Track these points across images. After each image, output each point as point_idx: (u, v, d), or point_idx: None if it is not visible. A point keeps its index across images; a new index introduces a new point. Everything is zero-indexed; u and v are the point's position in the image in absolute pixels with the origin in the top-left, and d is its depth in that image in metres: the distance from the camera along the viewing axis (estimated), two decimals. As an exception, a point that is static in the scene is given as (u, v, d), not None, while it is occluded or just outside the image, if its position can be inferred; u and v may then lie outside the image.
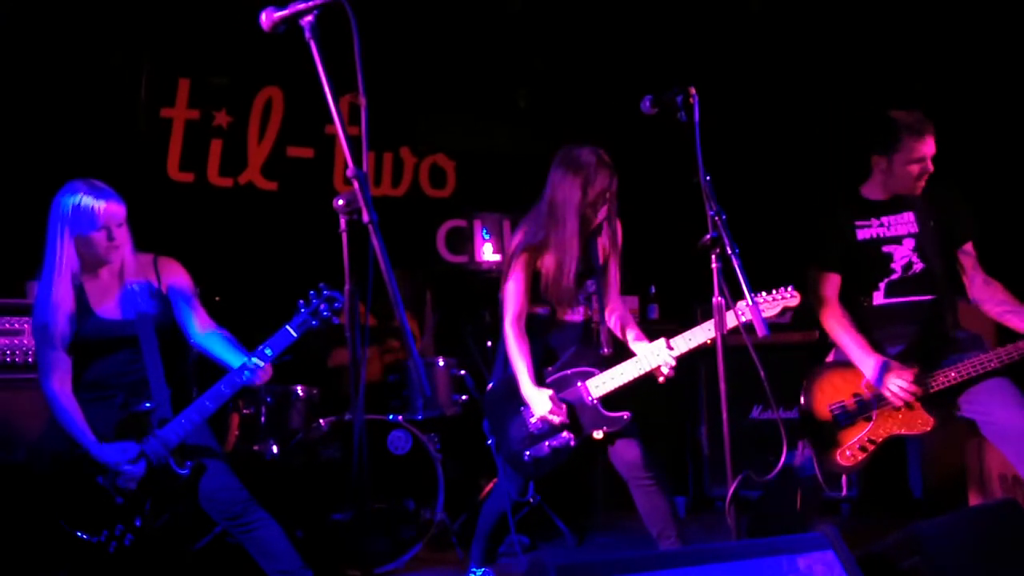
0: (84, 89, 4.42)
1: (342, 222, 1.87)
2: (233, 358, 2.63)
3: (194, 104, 4.77)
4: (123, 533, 2.57)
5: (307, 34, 1.83)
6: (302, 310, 2.60)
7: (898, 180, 2.90)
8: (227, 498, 2.63)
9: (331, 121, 4.88)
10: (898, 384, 2.75)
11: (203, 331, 2.73)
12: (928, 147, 2.84)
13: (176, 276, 2.78)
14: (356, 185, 1.82)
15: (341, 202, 1.86)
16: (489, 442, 2.97)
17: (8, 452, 3.30)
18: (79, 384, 2.64)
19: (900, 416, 2.83)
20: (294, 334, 2.60)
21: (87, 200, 2.56)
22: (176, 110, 4.72)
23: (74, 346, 2.63)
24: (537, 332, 2.95)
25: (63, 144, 4.27)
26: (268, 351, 2.59)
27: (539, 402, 2.81)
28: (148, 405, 2.63)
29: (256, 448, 3.75)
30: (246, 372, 2.56)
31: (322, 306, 2.59)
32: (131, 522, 2.58)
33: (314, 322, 2.59)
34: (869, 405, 2.88)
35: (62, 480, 2.59)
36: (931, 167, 2.86)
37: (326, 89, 1.81)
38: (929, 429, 2.81)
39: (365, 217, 1.81)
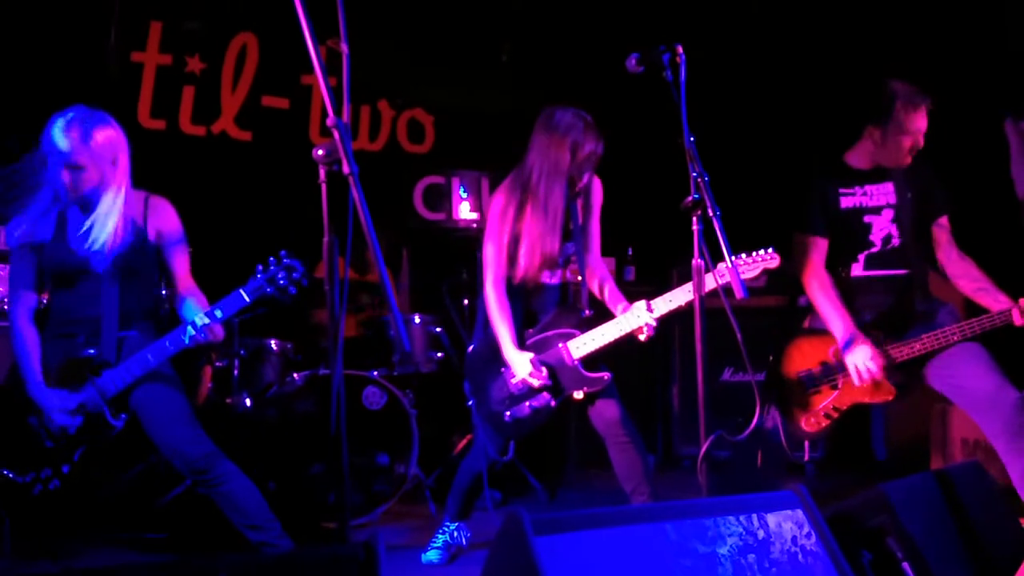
0: (51, 30, 4.26)
1: (321, 173, 1.83)
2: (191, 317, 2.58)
3: (166, 49, 4.62)
4: (49, 478, 2.53)
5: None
6: (259, 275, 2.53)
7: (888, 152, 2.89)
8: (190, 451, 2.58)
9: (307, 71, 4.86)
10: (861, 361, 2.79)
11: (181, 290, 2.70)
12: (922, 121, 2.83)
13: (166, 221, 2.73)
14: (336, 135, 1.78)
15: (321, 152, 1.81)
16: (470, 403, 2.97)
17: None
18: (49, 320, 2.61)
19: (865, 385, 2.88)
20: (246, 298, 2.53)
21: (57, 132, 2.53)
22: (147, 54, 4.57)
23: (48, 277, 2.60)
24: (517, 294, 2.94)
25: (30, 87, 4.12)
26: (218, 312, 2.54)
27: (520, 364, 2.82)
28: (92, 352, 2.59)
29: (229, 401, 3.73)
30: (189, 330, 2.52)
31: (280, 274, 2.52)
32: (59, 468, 2.54)
33: (269, 289, 2.52)
34: (835, 373, 2.92)
35: None
36: (921, 142, 2.86)
37: (307, 33, 1.75)
38: (891, 398, 2.86)
39: (346, 168, 1.76)
